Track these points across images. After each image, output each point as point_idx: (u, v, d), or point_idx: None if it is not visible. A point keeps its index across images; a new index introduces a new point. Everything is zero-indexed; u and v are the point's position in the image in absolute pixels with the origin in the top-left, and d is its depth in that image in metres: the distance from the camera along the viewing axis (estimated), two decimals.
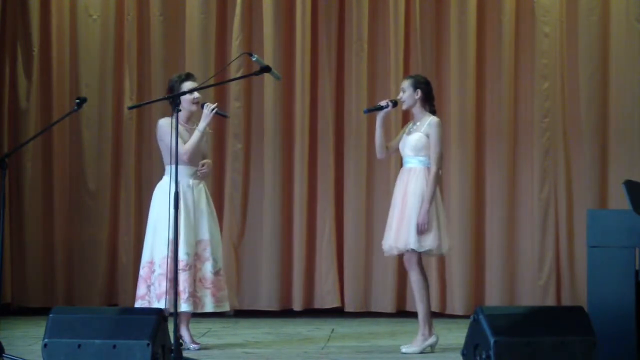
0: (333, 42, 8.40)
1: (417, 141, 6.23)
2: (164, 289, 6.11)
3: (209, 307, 6.24)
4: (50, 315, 4.97)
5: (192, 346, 6.24)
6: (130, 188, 8.39)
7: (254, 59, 5.86)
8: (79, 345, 4.80)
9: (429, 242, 6.16)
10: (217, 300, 6.28)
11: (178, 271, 6.12)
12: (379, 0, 8.39)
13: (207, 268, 6.25)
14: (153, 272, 6.22)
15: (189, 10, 8.37)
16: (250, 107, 8.45)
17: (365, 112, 6.64)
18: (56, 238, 8.33)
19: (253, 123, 8.45)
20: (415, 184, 6.19)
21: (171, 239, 5.69)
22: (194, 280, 6.21)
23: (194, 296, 6.18)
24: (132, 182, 8.39)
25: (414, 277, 6.24)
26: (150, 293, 6.19)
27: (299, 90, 8.31)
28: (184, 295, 6.10)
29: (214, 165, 8.28)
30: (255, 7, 8.42)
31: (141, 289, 6.24)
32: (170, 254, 6.10)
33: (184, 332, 6.25)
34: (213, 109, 6.22)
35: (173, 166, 5.69)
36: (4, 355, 5.33)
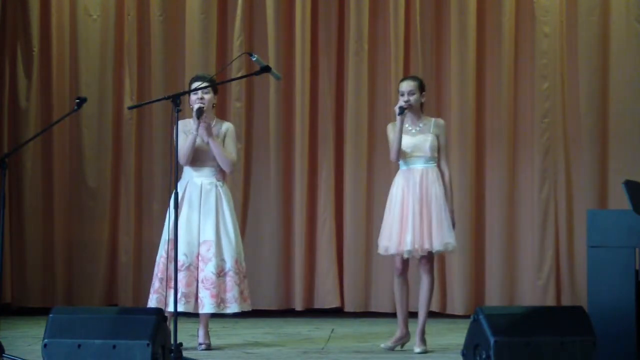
0: (333, 42, 8.41)
1: (432, 143, 6.29)
2: (153, 288, 6.19)
3: (207, 308, 6.19)
4: (50, 315, 4.96)
5: (198, 347, 6.28)
6: (130, 188, 8.39)
7: (254, 59, 5.85)
8: (79, 345, 4.80)
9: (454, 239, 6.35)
10: (221, 302, 6.21)
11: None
12: (379, 0, 8.39)
13: (209, 269, 6.20)
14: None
15: (189, 10, 8.38)
16: (251, 107, 8.45)
17: (400, 113, 6.26)
18: (56, 238, 8.34)
19: (253, 123, 8.45)
20: (439, 185, 6.26)
21: (171, 239, 5.70)
22: (195, 281, 6.20)
23: (190, 296, 6.16)
24: (132, 182, 8.40)
25: (431, 280, 6.32)
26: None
27: (299, 90, 8.31)
28: (177, 296, 6.11)
29: None
30: (256, 7, 8.43)
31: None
32: (164, 254, 6.16)
33: (199, 331, 6.33)
34: (195, 110, 6.17)
35: (194, 168, 6.09)
36: (4, 355, 5.32)
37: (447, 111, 8.27)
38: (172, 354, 5.14)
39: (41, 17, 8.39)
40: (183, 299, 6.10)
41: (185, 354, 5.50)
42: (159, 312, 4.99)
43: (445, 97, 8.31)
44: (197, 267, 6.21)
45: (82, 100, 5.72)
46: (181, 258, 6.12)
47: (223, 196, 6.34)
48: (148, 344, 4.73)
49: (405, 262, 6.31)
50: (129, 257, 8.29)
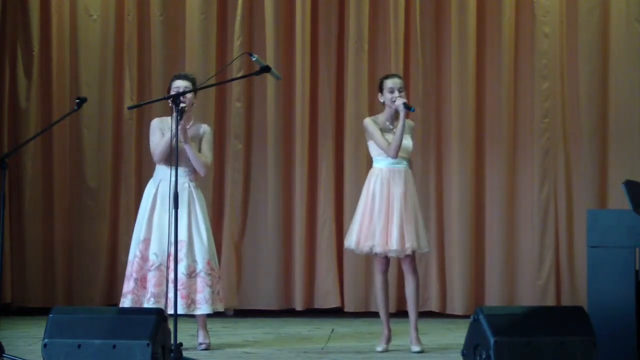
0: (333, 42, 8.40)
1: (409, 144, 6.31)
2: (127, 288, 6.17)
3: (177, 309, 6.16)
4: (50, 315, 4.96)
5: (198, 347, 6.28)
6: (130, 188, 8.39)
7: (253, 59, 5.85)
8: (79, 345, 4.80)
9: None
10: (191, 303, 6.19)
11: (147, 271, 6.15)
12: (379, 0, 8.39)
13: (180, 269, 6.14)
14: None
15: (189, 10, 8.38)
16: (251, 107, 8.45)
17: (413, 110, 6.29)
18: (56, 238, 8.33)
19: (254, 123, 8.45)
20: (413, 186, 6.31)
21: (171, 240, 5.68)
22: (166, 280, 6.16)
23: (160, 296, 6.13)
24: (132, 182, 8.40)
25: (417, 278, 6.33)
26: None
27: (299, 90, 8.31)
28: (147, 296, 6.11)
29: (215, 166, 8.28)
30: (256, 7, 8.43)
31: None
32: (139, 254, 6.17)
33: (199, 331, 6.33)
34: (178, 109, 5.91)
35: (168, 166, 5.91)
36: (4, 355, 5.33)
37: (447, 111, 8.27)
38: (172, 354, 5.14)
39: (41, 17, 8.38)
40: (152, 299, 6.09)
41: (185, 354, 5.50)
42: (159, 312, 4.99)
43: (445, 96, 8.30)
44: (168, 267, 6.17)
45: (82, 100, 5.72)
46: (152, 257, 6.13)
47: (196, 197, 6.33)
48: (148, 344, 4.73)
49: (387, 261, 6.34)
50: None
